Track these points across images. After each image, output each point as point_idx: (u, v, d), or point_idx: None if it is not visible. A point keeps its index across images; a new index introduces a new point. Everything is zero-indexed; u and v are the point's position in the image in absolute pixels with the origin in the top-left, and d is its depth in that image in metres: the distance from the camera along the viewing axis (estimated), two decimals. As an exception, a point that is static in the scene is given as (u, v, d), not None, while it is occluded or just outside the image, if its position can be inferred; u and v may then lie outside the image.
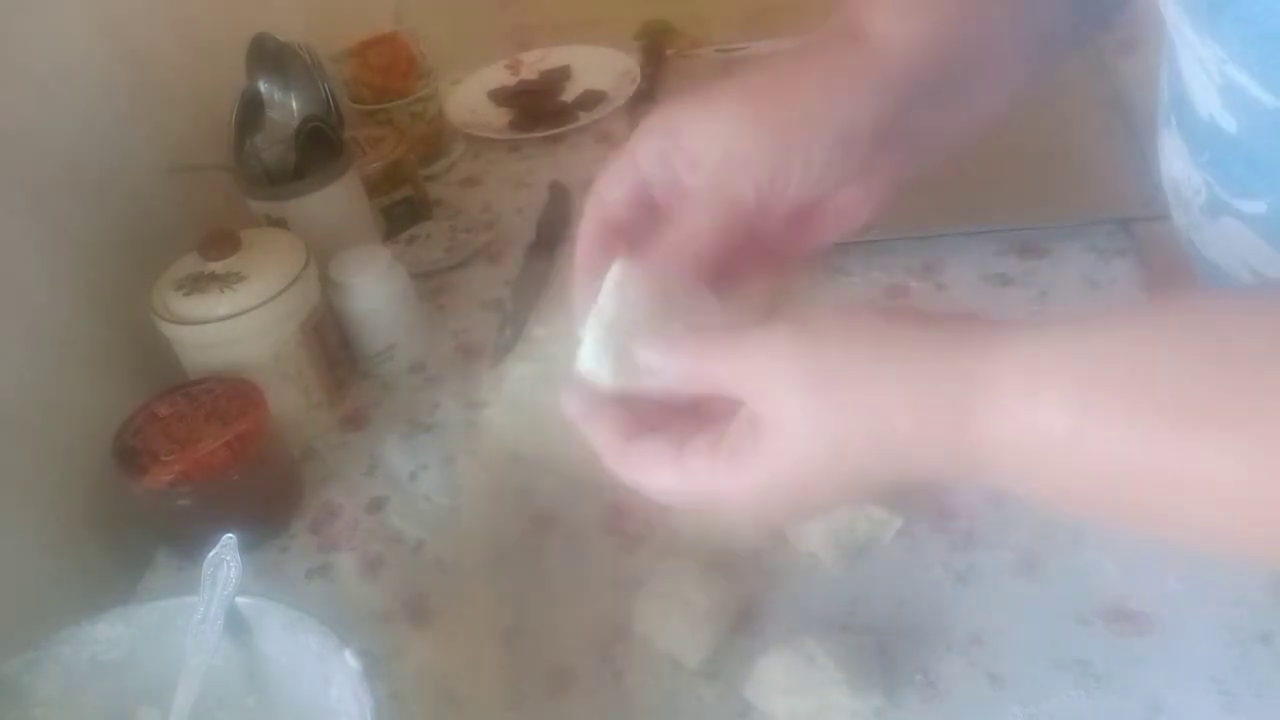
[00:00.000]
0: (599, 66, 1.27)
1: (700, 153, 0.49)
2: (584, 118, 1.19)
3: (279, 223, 0.93)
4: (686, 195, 0.50)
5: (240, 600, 0.60)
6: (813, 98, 0.49)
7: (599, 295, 0.46)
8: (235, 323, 0.81)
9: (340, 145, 0.96)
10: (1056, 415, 0.38)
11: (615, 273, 0.46)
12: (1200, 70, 0.52)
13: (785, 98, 0.49)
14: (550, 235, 1.04)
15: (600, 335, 0.45)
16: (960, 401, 0.40)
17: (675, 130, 0.50)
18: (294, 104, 0.95)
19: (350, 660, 0.55)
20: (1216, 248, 0.57)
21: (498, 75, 1.30)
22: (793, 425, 0.42)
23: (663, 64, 1.26)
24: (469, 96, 1.27)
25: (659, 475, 0.45)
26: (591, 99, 1.22)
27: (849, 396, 0.42)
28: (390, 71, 1.13)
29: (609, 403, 0.46)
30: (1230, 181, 0.54)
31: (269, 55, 0.94)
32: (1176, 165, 0.59)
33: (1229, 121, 0.52)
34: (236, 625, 0.60)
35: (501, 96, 1.26)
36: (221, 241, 0.83)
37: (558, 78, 1.27)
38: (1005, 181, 0.96)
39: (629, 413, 0.46)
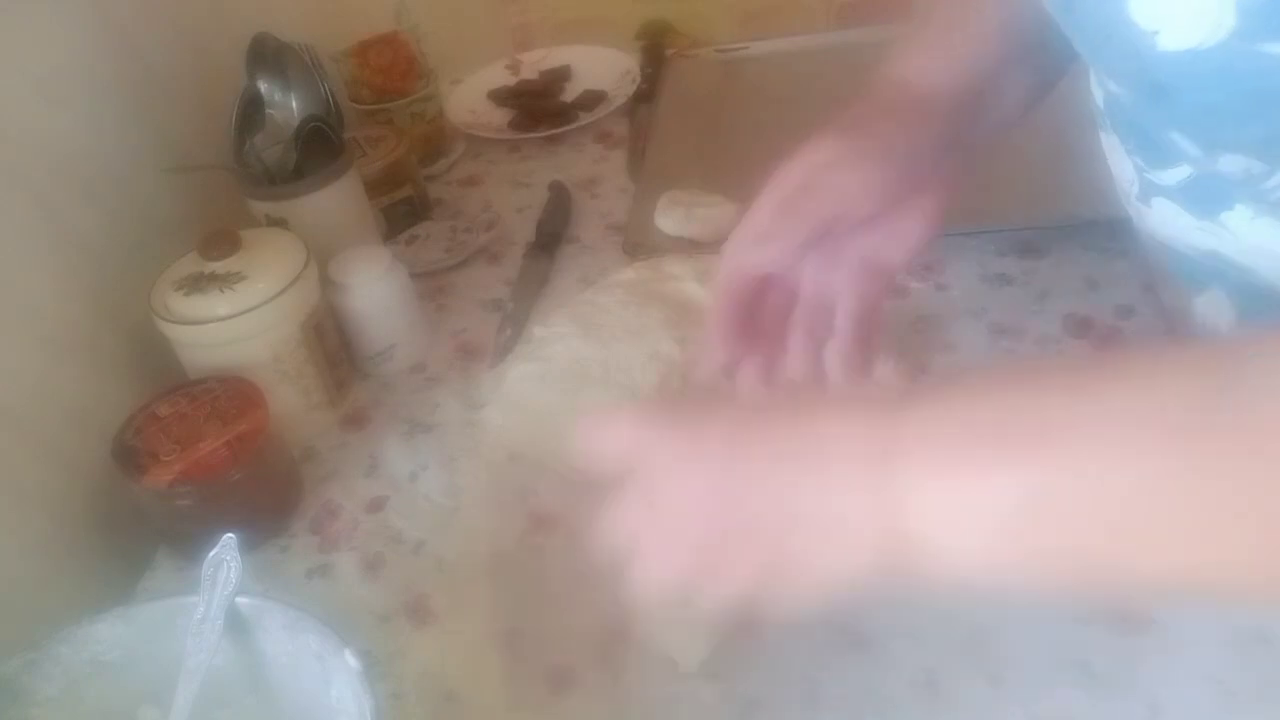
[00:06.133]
0: (599, 66, 1.27)
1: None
2: (584, 118, 1.19)
3: (279, 223, 0.93)
4: None
5: (240, 600, 0.60)
6: (888, 129, 0.62)
7: None
8: (235, 323, 0.81)
9: (340, 145, 0.96)
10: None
11: None
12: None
13: (867, 129, 0.62)
14: (550, 235, 1.04)
15: None
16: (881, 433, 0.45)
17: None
18: (294, 104, 0.95)
19: (350, 660, 0.55)
20: (1156, 230, 0.62)
21: (498, 75, 1.30)
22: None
23: (663, 64, 1.26)
24: (469, 96, 1.27)
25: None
26: (591, 99, 1.22)
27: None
28: (390, 71, 1.13)
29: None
30: (1151, 156, 0.59)
31: (269, 55, 0.94)
32: (1115, 162, 0.64)
33: (1129, 99, 0.57)
34: (236, 625, 0.60)
35: (501, 96, 1.26)
36: (221, 241, 0.83)
37: (558, 78, 1.27)
38: (1005, 181, 0.96)
39: None
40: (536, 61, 1.30)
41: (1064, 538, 0.41)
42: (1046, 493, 0.41)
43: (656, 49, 1.28)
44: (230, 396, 0.80)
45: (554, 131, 1.18)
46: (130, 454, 0.77)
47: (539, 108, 1.22)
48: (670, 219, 0.99)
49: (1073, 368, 0.47)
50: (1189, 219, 0.58)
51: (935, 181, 0.63)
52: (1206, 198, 0.56)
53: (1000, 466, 0.42)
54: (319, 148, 0.94)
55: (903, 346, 0.82)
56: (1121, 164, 0.63)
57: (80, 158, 0.87)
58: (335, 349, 0.89)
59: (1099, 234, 0.91)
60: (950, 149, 0.63)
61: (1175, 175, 0.57)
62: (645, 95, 1.21)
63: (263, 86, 0.94)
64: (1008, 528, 0.42)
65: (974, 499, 0.42)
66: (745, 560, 0.47)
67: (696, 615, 0.66)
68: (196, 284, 0.82)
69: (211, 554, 0.61)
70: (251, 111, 0.94)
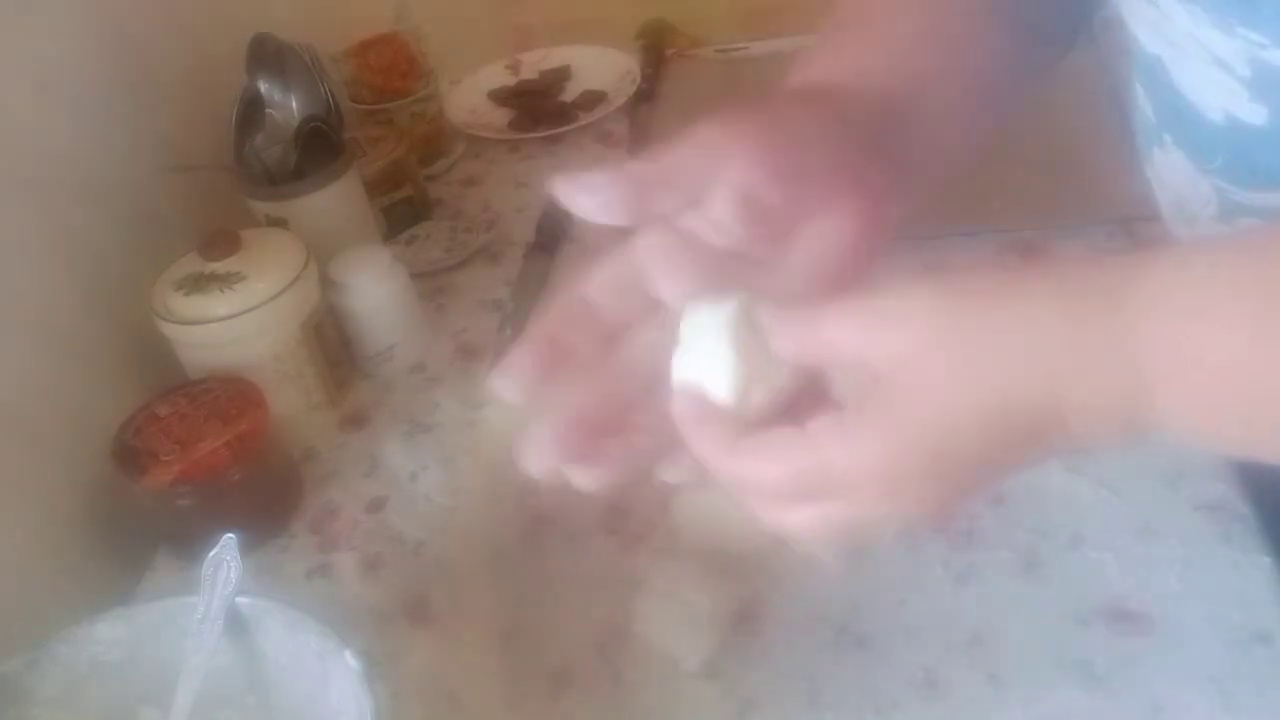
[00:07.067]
0: (599, 66, 1.26)
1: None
2: (584, 118, 1.19)
3: (279, 223, 0.93)
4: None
5: (240, 600, 0.60)
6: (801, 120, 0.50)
7: (700, 330, 0.46)
8: (235, 323, 0.81)
9: (340, 145, 0.96)
10: (1229, 332, 0.38)
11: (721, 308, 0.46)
12: (1217, 71, 0.52)
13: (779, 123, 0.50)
14: (550, 235, 1.04)
15: (733, 361, 0.45)
16: (1113, 299, 0.39)
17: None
18: (294, 104, 0.95)
19: (350, 660, 0.55)
20: None
21: (498, 75, 1.29)
22: (922, 344, 0.42)
23: (663, 64, 1.26)
24: (469, 96, 1.26)
25: (778, 459, 0.43)
26: (591, 99, 1.22)
27: (989, 306, 0.42)
28: (390, 71, 1.13)
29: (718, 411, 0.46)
30: (1250, 179, 0.54)
31: (269, 55, 0.94)
32: (1177, 181, 0.59)
33: (1257, 113, 0.52)
34: (236, 625, 0.60)
35: (501, 96, 1.26)
36: (221, 241, 0.83)
37: (558, 78, 1.27)
38: (1005, 182, 0.96)
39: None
40: (536, 61, 1.30)
41: None
42: None
43: (656, 49, 1.28)
44: (230, 396, 0.80)
45: (554, 131, 1.18)
46: (130, 454, 0.77)
47: (539, 108, 1.22)
48: (670, 219, 0.99)
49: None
50: None
51: (861, 184, 0.51)
52: None
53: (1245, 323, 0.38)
54: (319, 148, 0.94)
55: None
56: (1187, 183, 0.59)
57: (80, 158, 0.86)
58: (335, 349, 0.89)
59: (1099, 234, 0.91)
60: (874, 155, 0.52)
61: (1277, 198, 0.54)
62: (645, 95, 1.21)
63: (263, 86, 0.94)
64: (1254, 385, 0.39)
65: (1218, 353, 0.39)
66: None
67: (697, 615, 0.66)
68: (196, 284, 0.82)
69: (211, 554, 0.61)
70: (251, 111, 0.94)
